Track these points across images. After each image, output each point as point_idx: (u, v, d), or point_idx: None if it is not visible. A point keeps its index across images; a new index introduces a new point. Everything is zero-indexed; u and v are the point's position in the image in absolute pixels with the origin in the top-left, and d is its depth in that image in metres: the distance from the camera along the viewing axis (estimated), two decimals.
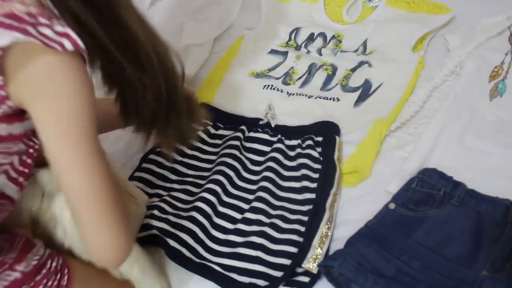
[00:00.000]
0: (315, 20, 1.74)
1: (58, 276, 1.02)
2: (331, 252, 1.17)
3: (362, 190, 1.29)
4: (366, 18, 1.69)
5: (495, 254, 1.09)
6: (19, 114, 0.86)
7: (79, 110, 0.83)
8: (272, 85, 1.56)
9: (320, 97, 1.50)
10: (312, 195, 1.27)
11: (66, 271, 1.03)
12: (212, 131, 1.45)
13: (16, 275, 0.96)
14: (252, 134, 1.43)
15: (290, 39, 1.69)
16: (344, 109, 1.46)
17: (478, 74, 1.42)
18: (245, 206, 1.28)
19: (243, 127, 1.43)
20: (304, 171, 1.31)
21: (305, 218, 1.22)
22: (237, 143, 1.39)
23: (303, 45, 1.66)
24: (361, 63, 1.55)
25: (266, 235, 1.20)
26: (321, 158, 1.33)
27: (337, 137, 1.36)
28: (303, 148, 1.36)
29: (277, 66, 1.62)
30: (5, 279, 0.94)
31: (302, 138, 1.39)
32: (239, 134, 1.41)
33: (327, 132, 1.38)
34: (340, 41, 1.64)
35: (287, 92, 1.54)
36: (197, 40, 1.74)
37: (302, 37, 1.68)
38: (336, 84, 1.52)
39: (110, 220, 0.88)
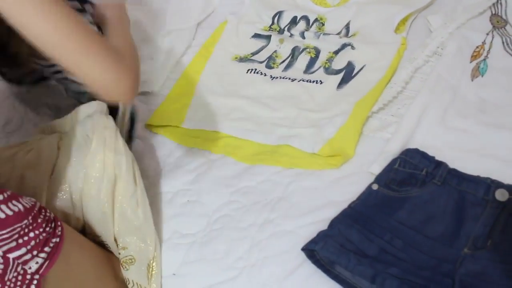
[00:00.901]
0: (298, 3, 1.73)
1: (53, 225, 1.06)
2: (314, 234, 1.17)
3: (345, 172, 1.30)
4: (349, 0, 1.68)
5: (476, 232, 1.10)
6: None
7: None
8: (256, 69, 1.56)
9: (303, 80, 1.50)
10: None
11: (59, 223, 1.08)
12: None
13: (20, 206, 1.00)
14: None
15: (273, 22, 1.69)
16: (327, 91, 1.46)
17: (459, 54, 1.42)
18: None
19: None
20: None
21: None
22: None
23: (286, 28, 1.66)
24: (344, 46, 1.55)
25: None
26: None
27: None
28: None
29: (261, 50, 1.62)
30: (11, 208, 0.98)
31: None
32: None
33: None
34: (323, 24, 1.64)
35: (271, 75, 1.54)
36: (180, 25, 1.74)
37: (285, 20, 1.68)
38: (319, 67, 1.52)
39: (95, 52, 0.94)
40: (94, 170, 1.19)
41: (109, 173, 1.19)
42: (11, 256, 0.99)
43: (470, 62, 1.41)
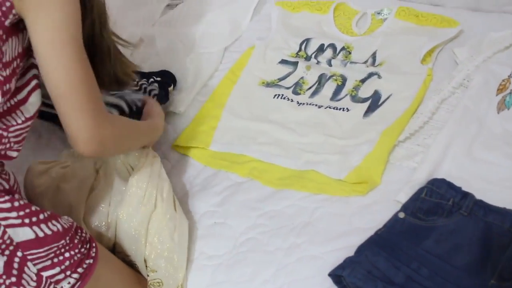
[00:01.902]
0: (325, 31, 1.77)
1: (88, 246, 1.09)
2: (340, 260, 1.18)
3: (372, 199, 1.31)
4: (375, 30, 1.72)
5: (503, 263, 1.11)
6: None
7: (69, 18, 0.97)
8: (283, 95, 1.59)
9: (330, 107, 1.52)
10: None
11: (94, 244, 1.11)
12: None
13: (59, 226, 1.04)
14: None
15: (300, 49, 1.72)
16: (353, 119, 1.48)
17: (485, 87, 1.44)
18: None
19: None
20: None
21: None
22: None
23: (313, 55, 1.69)
24: (370, 74, 1.57)
25: None
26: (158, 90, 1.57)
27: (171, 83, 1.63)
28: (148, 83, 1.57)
29: (288, 76, 1.65)
30: (50, 227, 1.02)
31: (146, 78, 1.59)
32: None
33: (165, 77, 1.64)
34: (350, 53, 1.67)
35: (297, 101, 1.56)
36: (209, 48, 1.77)
37: (312, 47, 1.71)
38: (346, 95, 1.55)
39: (87, 108, 0.99)
40: (133, 193, 1.21)
41: (149, 197, 1.21)
42: (44, 274, 1.01)
43: (496, 95, 1.43)
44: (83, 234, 1.10)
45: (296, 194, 1.36)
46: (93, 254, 1.09)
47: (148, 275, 1.23)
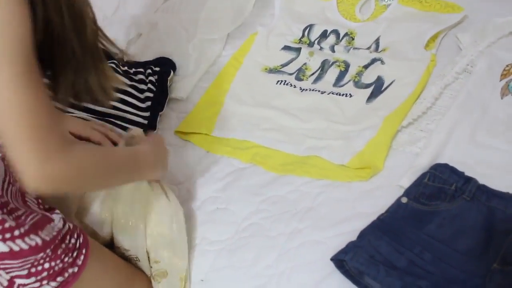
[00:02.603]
0: (328, 17, 1.76)
1: (75, 254, 1.04)
2: (343, 244, 1.18)
3: (375, 184, 1.31)
4: (379, 16, 1.71)
5: (505, 247, 1.11)
6: None
7: (13, 36, 0.81)
8: (285, 81, 1.59)
9: (333, 93, 1.52)
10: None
11: (84, 250, 1.06)
12: None
13: (37, 240, 0.98)
14: None
15: (303, 35, 1.71)
16: (356, 105, 1.48)
17: (489, 72, 1.44)
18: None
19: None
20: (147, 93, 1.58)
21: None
22: None
23: (316, 41, 1.68)
24: (373, 60, 1.57)
25: None
26: (156, 83, 1.59)
27: (171, 71, 1.62)
28: (146, 75, 1.61)
29: (290, 62, 1.64)
30: (27, 242, 0.96)
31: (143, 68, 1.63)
32: None
33: (164, 65, 1.63)
34: (353, 39, 1.66)
35: (300, 87, 1.56)
36: (211, 35, 1.77)
37: (315, 34, 1.71)
38: (349, 80, 1.55)
39: (33, 139, 0.84)
40: (126, 189, 1.20)
41: (142, 192, 1.20)
42: (18, 281, 0.98)
43: (500, 80, 1.42)
44: (72, 241, 1.05)
45: (298, 180, 1.36)
46: (80, 262, 1.05)
47: (151, 267, 1.23)
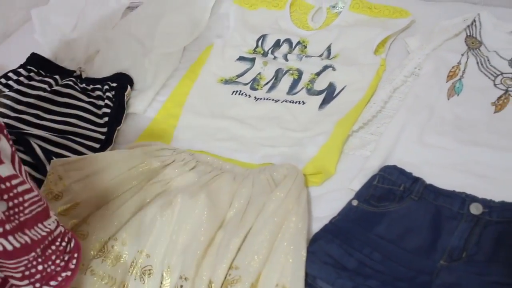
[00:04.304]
0: (282, 27, 1.79)
1: (67, 258, 1.04)
2: None
3: (327, 189, 1.34)
4: (331, 23, 1.75)
5: (452, 244, 1.14)
6: None
7: None
8: (240, 91, 1.61)
9: (286, 101, 1.55)
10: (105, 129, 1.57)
11: (75, 255, 1.06)
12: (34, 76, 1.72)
13: (26, 238, 0.97)
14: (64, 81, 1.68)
15: (257, 45, 1.75)
16: (309, 111, 1.51)
17: (436, 74, 1.48)
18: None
19: (57, 76, 1.70)
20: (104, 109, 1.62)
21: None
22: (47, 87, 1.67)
23: (269, 51, 1.72)
24: (325, 67, 1.60)
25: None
26: (114, 99, 1.63)
27: (128, 86, 1.66)
28: (103, 91, 1.65)
29: (245, 72, 1.68)
30: (18, 240, 0.95)
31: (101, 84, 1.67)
32: (52, 81, 1.69)
33: (121, 80, 1.67)
34: (306, 47, 1.69)
35: (255, 97, 1.59)
36: (168, 48, 1.79)
37: (269, 43, 1.74)
38: (302, 88, 1.58)
39: None
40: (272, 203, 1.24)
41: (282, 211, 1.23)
42: (12, 281, 0.99)
43: (447, 81, 1.46)
44: (63, 244, 1.05)
45: None
46: (72, 266, 1.04)
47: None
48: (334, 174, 1.36)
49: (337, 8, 1.77)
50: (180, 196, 1.26)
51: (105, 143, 1.54)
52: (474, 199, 1.19)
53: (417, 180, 1.25)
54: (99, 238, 1.27)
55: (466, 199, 1.20)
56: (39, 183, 1.41)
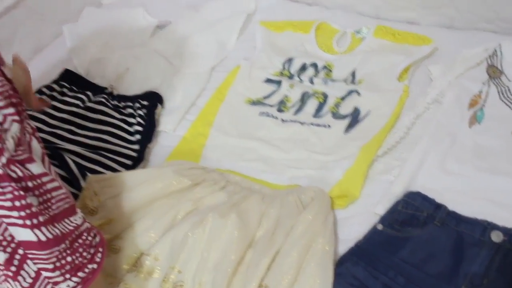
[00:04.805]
0: (307, 50, 1.85)
1: (93, 251, 1.11)
2: None
3: (352, 212, 1.40)
4: (355, 48, 1.81)
5: (473, 270, 1.19)
6: None
7: None
8: (268, 112, 1.67)
9: (312, 124, 1.60)
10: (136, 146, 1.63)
11: (100, 249, 1.12)
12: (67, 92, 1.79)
13: (57, 231, 1.03)
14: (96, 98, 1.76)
15: (284, 68, 1.80)
16: (335, 135, 1.57)
17: (458, 102, 1.53)
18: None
19: (89, 93, 1.77)
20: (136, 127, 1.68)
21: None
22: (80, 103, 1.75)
23: (296, 74, 1.77)
24: (350, 92, 1.66)
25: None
26: (145, 117, 1.69)
27: (159, 104, 1.73)
28: (135, 109, 1.71)
29: (272, 94, 1.73)
30: (50, 231, 1.02)
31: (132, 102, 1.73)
32: (84, 97, 1.76)
33: (152, 99, 1.73)
34: (331, 71, 1.75)
35: (282, 119, 1.64)
36: (196, 68, 1.86)
37: (295, 66, 1.79)
38: (327, 112, 1.63)
39: None
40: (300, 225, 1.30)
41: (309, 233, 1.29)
42: (44, 274, 1.04)
43: (468, 110, 1.51)
44: (89, 238, 1.11)
45: None
46: (98, 260, 1.11)
47: None
48: (359, 198, 1.41)
49: (362, 33, 1.83)
50: (211, 215, 1.32)
51: (137, 160, 1.59)
52: (495, 227, 1.25)
53: (439, 206, 1.30)
54: (132, 253, 1.33)
55: (487, 226, 1.25)
56: (73, 197, 1.47)
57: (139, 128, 1.66)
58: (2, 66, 1.02)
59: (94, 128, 1.67)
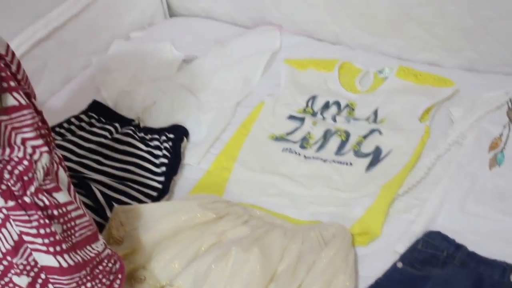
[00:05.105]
0: (330, 88, 1.89)
1: (112, 277, 1.15)
2: None
3: (372, 249, 1.42)
4: (377, 88, 1.84)
5: None
6: None
7: None
8: (291, 148, 1.70)
9: (334, 161, 1.64)
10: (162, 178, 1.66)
11: (120, 276, 1.17)
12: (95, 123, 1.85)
13: (79, 258, 1.08)
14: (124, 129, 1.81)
15: (307, 105, 1.84)
16: (356, 173, 1.60)
17: (478, 144, 1.56)
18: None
19: (117, 124, 1.82)
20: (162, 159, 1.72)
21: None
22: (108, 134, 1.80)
23: (319, 112, 1.81)
24: (372, 131, 1.69)
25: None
26: (171, 150, 1.72)
27: (184, 138, 1.76)
28: (161, 142, 1.75)
29: (295, 131, 1.77)
30: (72, 258, 1.06)
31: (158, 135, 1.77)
32: (112, 128, 1.80)
33: (177, 132, 1.77)
34: (353, 109, 1.79)
35: (304, 155, 1.68)
36: (221, 103, 1.90)
37: (318, 104, 1.83)
38: (349, 150, 1.67)
39: None
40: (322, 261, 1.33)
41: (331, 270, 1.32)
42: None
43: (488, 152, 1.54)
44: (109, 265, 1.15)
45: None
46: (116, 286, 1.15)
47: None
48: (380, 236, 1.44)
49: (384, 73, 1.87)
50: (234, 248, 1.34)
51: (162, 192, 1.63)
52: None
53: (459, 246, 1.33)
54: (156, 283, 1.36)
55: (506, 268, 1.27)
56: (98, 226, 1.51)
57: (164, 160, 1.70)
58: (33, 99, 1.07)
59: (121, 159, 1.72)
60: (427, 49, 1.89)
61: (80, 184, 1.58)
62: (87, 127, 1.83)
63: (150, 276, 1.37)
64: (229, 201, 1.53)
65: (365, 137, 1.69)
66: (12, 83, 0.98)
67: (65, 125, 1.83)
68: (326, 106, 1.82)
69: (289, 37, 2.14)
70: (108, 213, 1.51)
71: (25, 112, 1.00)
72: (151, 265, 1.38)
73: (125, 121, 1.86)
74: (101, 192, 1.57)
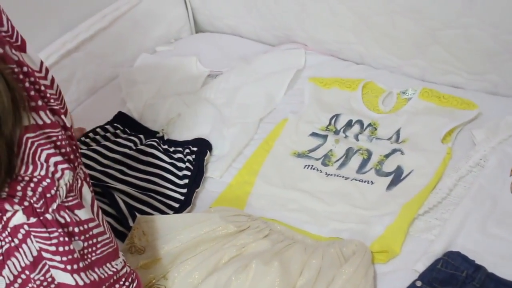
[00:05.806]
0: (353, 107, 1.91)
1: None
2: None
3: (391, 267, 1.42)
4: (400, 109, 1.86)
5: None
6: None
7: None
8: (312, 165, 1.72)
9: (355, 179, 1.65)
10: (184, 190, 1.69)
11: None
12: (120, 134, 1.89)
13: (95, 276, 1.09)
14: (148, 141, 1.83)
15: (330, 123, 1.86)
16: (377, 191, 1.61)
17: (500, 167, 1.56)
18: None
19: (142, 136, 1.86)
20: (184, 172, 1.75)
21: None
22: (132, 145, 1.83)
23: (341, 130, 1.83)
24: (394, 151, 1.71)
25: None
26: (194, 162, 1.75)
27: (207, 151, 1.79)
28: (184, 154, 1.78)
29: (317, 148, 1.79)
30: (88, 277, 1.07)
31: (182, 147, 1.79)
32: (137, 140, 1.84)
33: (201, 145, 1.81)
34: (376, 129, 1.80)
35: (326, 172, 1.69)
36: (245, 118, 1.93)
37: (341, 122, 1.85)
38: (371, 168, 1.68)
39: None
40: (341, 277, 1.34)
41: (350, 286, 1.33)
42: None
43: (510, 175, 1.55)
44: (126, 283, 1.16)
45: None
46: None
47: None
48: (399, 254, 1.44)
49: (407, 94, 1.88)
50: (254, 261, 1.36)
51: (184, 204, 1.65)
52: None
53: (479, 267, 1.33)
54: None
55: None
56: (121, 235, 1.54)
57: (187, 172, 1.73)
58: (63, 115, 1.07)
59: (144, 170, 1.74)
60: (451, 72, 1.90)
61: (104, 193, 1.61)
62: (112, 138, 1.86)
63: (170, 286, 1.39)
64: (250, 215, 1.55)
65: (387, 156, 1.70)
66: (40, 102, 0.99)
67: (91, 134, 1.86)
68: (349, 124, 1.84)
69: (314, 56, 2.17)
70: (131, 223, 1.54)
71: (51, 130, 1.01)
72: (171, 275, 1.40)
73: (150, 133, 1.89)
74: (124, 202, 1.60)
